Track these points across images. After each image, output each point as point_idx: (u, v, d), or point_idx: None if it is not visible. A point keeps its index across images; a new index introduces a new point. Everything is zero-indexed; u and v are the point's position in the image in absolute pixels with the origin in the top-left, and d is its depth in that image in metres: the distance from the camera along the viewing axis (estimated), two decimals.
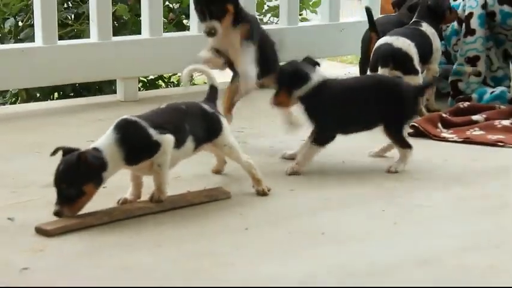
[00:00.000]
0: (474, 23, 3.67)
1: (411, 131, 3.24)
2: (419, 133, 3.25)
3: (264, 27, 4.35)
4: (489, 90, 3.61)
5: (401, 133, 2.88)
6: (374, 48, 3.48)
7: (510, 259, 2.18)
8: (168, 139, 2.40)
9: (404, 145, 2.88)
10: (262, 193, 2.62)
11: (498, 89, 3.61)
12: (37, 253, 2.17)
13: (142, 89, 4.53)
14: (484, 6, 3.66)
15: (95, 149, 2.34)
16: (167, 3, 4.58)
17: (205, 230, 2.34)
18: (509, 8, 3.62)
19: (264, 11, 4.72)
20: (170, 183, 2.49)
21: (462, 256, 2.19)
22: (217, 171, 2.81)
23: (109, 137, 2.37)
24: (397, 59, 3.37)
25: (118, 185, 2.50)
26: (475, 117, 3.37)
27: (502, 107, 3.50)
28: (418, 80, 3.38)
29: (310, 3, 4.75)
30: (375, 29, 3.66)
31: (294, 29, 4.24)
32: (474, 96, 3.64)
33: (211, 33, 2.81)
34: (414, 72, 3.40)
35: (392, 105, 2.83)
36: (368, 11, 3.69)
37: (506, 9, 3.59)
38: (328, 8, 4.34)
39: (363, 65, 3.74)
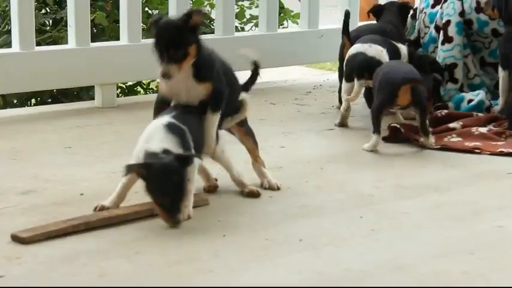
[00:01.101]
0: (451, 30, 3.71)
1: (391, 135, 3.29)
2: (398, 139, 3.28)
3: (245, 34, 4.41)
4: (466, 97, 3.65)
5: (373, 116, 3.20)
6: (347, 56, 3.51)
7: (484, 265, 2.21)
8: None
9: (374, 130, 3.18)
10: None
11: (476, 99, 3.64)
12: (13, 261, 2.17)
13: (120, 95, 4.53)
14: (462, 14, 3.71)
15: None
16: (146, 9, 4.60)
17: (184, 236, 2.36)
18: (485, 17, 3.66)
19: (245, 20, 4.74)
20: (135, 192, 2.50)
21: (437, 263, 2.22)
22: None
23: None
24: (372, 69, 3.40)
25: (95, 193, 2.51)
26: (452, 125, 3.40)
27: (480, 114, 3.54)
28: None
29: (292, 14, 4.77)
30: (348, 34, 3.69)
31: (273, 35, 4.27)
32: (450, 104, 3.67)
33: (167, 76, 2.54)
34: None
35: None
36: (347, 15, 3.72)
37: (483, 17, 3.64)
38: (307, 14, 4.37)
39: (341, 70, 3.78)
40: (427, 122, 3.24)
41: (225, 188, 2.72)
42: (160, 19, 2.58)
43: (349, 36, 3.68)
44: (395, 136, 3.30)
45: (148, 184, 2.38)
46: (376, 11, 3.90)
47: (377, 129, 3.20)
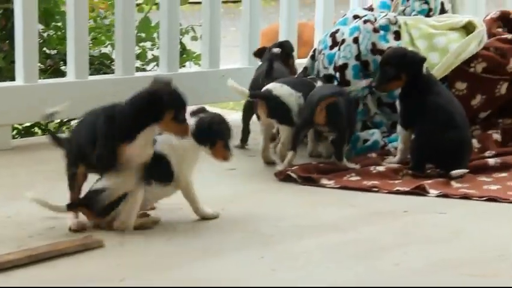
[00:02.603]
0: (349, 74, 3.81)
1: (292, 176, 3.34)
2: (301, 180, 3.33)
3: (145, 74, 4.41)
4: (362, 137, 3.73)
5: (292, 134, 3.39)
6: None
7: None
8: None
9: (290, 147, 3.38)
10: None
11: (372, 139, 3.72)
12: None
13: (17, 136, 4.45)
14: (358, 57, 3.81)
15: None
16: (44, 48, 4.55)
17: (77, 282, 2.32)
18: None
19: (147, 60, 4.74)
20: (43, 233, 2.47)
21: None
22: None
23: None
24: (275, 108, 3.45)
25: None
26: (350, 165, 3.47)
27: (374, 155, 3.62)
28: (289, 131, 3.46)
29: (194, 55, 4.80)
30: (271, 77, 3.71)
31: (174, 75, 4.27)
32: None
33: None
34: (288, 123, 3.47)
35: None
36: (266, 51, 3.77)
37: (379, 59, 3.75)
38: (208, 54, 4.40)
39: (250, 108, 3.81)
40: (343, 148, 3.38)
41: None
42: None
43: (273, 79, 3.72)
44: (290, 176, 3.35)
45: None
46: (259, 53, 3.98)
47: (293, 147, 3.36)
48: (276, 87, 3.49)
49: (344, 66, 3.81)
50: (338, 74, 3.82)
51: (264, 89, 3.53)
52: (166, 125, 2.70)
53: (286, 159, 3.38)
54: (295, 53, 4.13)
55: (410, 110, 3.44)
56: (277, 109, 3.46)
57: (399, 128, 3.51)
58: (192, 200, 2.86)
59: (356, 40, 3.82)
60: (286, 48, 3.95)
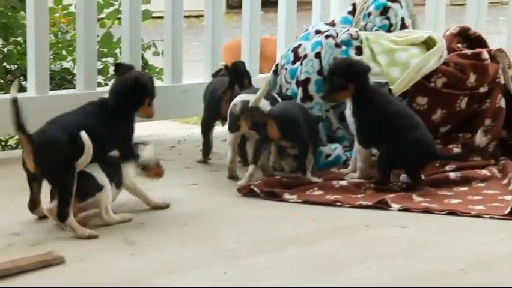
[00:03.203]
0: (311, 89, 3.82)
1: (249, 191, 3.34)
2: (264, 194, 3.33)
3: (107, 89, 4.38)
4: (324, 152, 3.74)
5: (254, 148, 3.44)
6: (230, 106, 3.54)
7: None
8: None
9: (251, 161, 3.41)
10: None
11: (334, 154, 3.74)
12: None
13: None
14: (320, 71, 3.83)
15: None
16: (4, 63, 4.51)
17: None
18: None
19: (109, 75, 4.72)
20: (3, 250, 2.44)
21: None
22: None
23: None
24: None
25: None
26: (313, 179, 3.48)
27: (335, 169, 3.64)
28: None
29: (156, 70, 4.79)
30: (233, 88, 3.73)
31: None
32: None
33: None
34: None
35: None
36: (228, 69, 3.78)
37: None
38: (170, 69, 4.40)
39: (208, 121, 3.81)
40: (307, 160, 3.41)
41: (82, 244, 2.67)
42: None
43: (233, 91, 3.73)
44: (253, 191, 3.35)
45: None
46: (216, 74, 4.03)
47: (254, 161, 3.39)
48: (252, 98, 3.49)
49: (307, 81, 3.83)
50: (300, 89, 3.83)
51: (239, 100, 3.51)
52: (143, 109, 3.06)
53: (248, 172, 3.38)
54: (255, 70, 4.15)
55: (370, 125, 3.45)
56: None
57: (358, 146, 3.50)
58: (140, 193, 3.10)
59: (318, 55, 3.84)
60: (240, 68, 3.96)
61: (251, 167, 3.40)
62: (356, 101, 3.47)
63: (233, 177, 3.58)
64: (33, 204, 2.92)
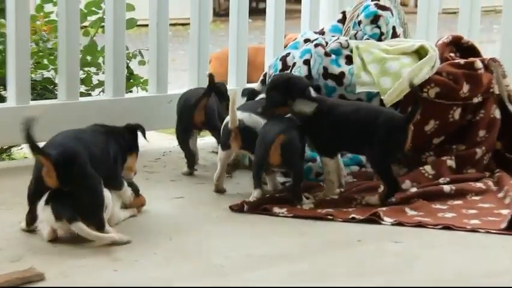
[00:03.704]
0: None
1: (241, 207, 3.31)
2: (253, 209, 3.30)
3: (90, 99, 4.36)
4: (314, 169, 3.68)
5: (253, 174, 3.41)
6: (224, 123, 3.51)
7: None
8: None
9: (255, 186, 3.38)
10: None
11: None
12: None
13: None
14: (308, 77, 3.79)
15: None
16: None
17: None
18: (332, 83, 3.78)
19: (92, 85, 4.69)
20: None
21: None
22: None
23: None
24: (248, 139, 3.44)
25: None
26: (307, 206, 3.41)
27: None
28: None
29: (141, 80, 4.77)
30: (209, 96, 3.73)
31: (120, 100, 4.24)
32: None
33: None
34: None
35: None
36: (211, 77, 3.76)
37: (330, 83, 3.76)
38: (155, 79, 4.38)
39: (184, 132, 3.79)
40: (300, 188, 3.36)
41: (61, 261, 2.64)
42: None
43: (208, 100, 3.73)
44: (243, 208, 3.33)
45: None
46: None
47: (257, 185, 3.36)
48: (245, 117, 3.47)
49: None
50: None
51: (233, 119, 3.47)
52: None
53: (253, 196, 3.36)
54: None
55: (332, 132, 3.39)
56: (251, 140, 3.41)
57: (325, 159, 3.42)
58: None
59: (306, 62, 3.82)
60: (222, 90, 3.95)
61: (256, 192, 3.36)
62: (305, 119, 3.41)
63: (220, 190, 3.55)
64: (33, 219, 2.92)
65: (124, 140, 3.21)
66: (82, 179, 2.87)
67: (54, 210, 2.82)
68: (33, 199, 2.93)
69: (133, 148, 3.27)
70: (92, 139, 3.03)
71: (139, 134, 3.29)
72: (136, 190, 3.23)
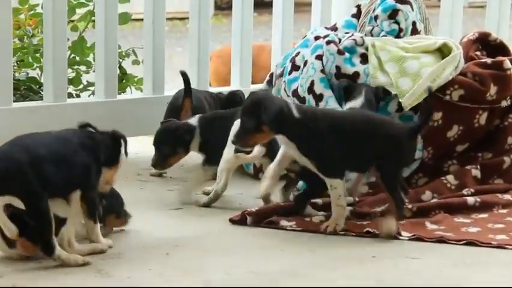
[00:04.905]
0: (318, 89, 3.76)
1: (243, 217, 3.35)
2: (257, 221, 3.34)
3: (78, 101, 4.41)
4: None
5: None
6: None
7: None
8: None
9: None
10: None
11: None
12: None
13: None
14: (323, 71, 3.81)
15: None
16: None
17: None
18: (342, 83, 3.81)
19: (81, 86, 4.73)
20: None
21: None
22: None
23: None
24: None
25: None
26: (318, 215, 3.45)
27: None
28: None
29: (135, 79, 4.79)
30: (190, 95, 3.80)
31: (112, 103, 4.28)
32: None
33: None
34: None
35: None
36: (185, 75, 3.82)
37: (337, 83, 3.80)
38: (151, 79, 4.40)
39: None
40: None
41: (51, 278, 2.68)
42: None
43: (192, 99, 3.80)
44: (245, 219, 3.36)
45: None
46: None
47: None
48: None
49: (311, 85, 3.80)
50: (295, 99, 3.83)
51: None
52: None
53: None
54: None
55: (335, 147, 3.25)
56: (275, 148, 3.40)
57: (336, 181, 3.24)
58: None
59: (319, 57, 3.82)
60: (236, 98, 4.09)
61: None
62: (291, 138, 3.24)
63: (208, 203, 3.59)
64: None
65: (104, 150, 3.00)
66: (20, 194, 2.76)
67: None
68: None
69: (114, 161, 3.04)
70: (54, 148, 2.87)
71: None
72: (110, 210, 3.15)
